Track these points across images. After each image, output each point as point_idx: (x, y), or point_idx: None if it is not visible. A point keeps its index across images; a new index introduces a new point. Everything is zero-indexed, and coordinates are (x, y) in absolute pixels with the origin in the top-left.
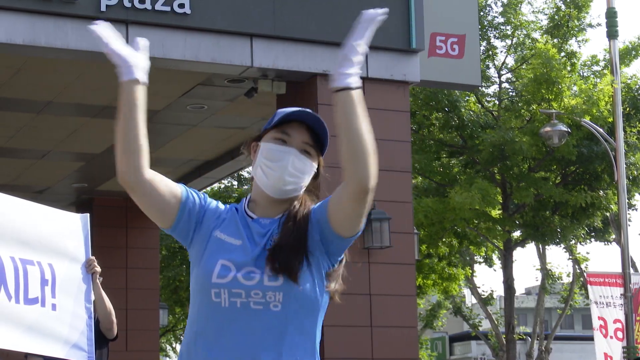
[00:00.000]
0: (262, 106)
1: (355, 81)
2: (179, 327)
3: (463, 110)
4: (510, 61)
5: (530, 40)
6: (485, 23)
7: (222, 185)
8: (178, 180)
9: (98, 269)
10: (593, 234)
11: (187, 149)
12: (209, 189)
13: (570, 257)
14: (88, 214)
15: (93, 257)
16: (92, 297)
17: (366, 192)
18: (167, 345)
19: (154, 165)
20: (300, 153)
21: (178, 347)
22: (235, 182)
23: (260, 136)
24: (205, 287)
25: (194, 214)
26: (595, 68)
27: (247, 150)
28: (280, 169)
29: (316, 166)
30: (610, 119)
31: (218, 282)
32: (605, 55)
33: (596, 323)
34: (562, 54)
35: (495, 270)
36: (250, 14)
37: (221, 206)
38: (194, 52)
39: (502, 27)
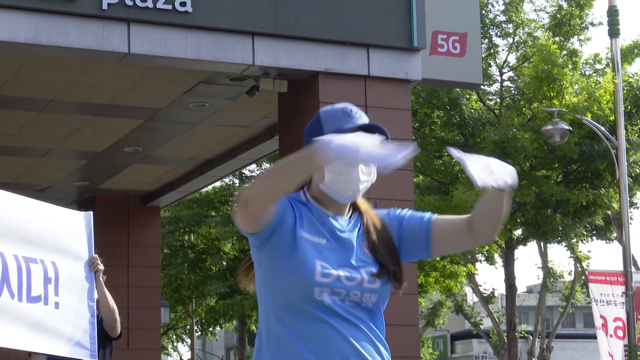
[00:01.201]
0: (263, 104)
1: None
2: (180, 326)
3: (464, 108)
4: (512, 59)
5: (531, 39)
6: (487, 21)
7: (224, 184)
8: (179, 178)
9: (101, 267)
10: (594, 232)
11: (189, 147)
12: (210, 187)
13: (572, 255)
14: (91, 212)
15: (96, 255)
16: (95, 296)
17: (484, 244)
18: (169, 344)
19: (155, 163)
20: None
21: (179, 345)
22: (237, 181)
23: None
24: (309, 285)
25: (277, 221)
26: (597, 66)
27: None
28: (352, 181)
29: None
30: (612, 117)
31: (322, 281)
32: (607, 54)
33: (598, 322)
34: (564, 52)
35: (496, 269)
36: (251, 12)
37: (292, 200)
38: (195, 51)
39: (503, 25)
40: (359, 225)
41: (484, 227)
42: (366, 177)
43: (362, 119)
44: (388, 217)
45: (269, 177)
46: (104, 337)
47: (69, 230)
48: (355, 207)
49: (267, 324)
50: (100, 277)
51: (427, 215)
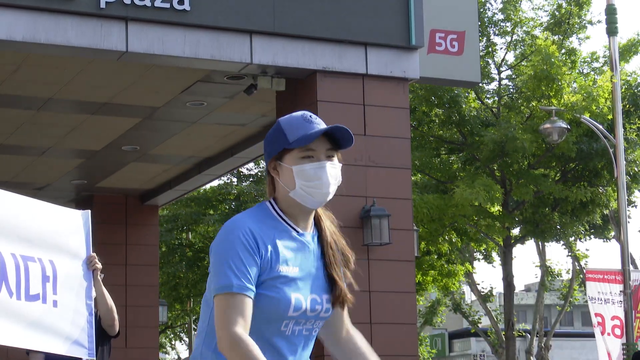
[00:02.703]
0: (261, 103)
1: None
2: (178, 324)
3: (463, 106)
4: (510, 58)
5: (530, 37)
6: (485, 20)
7: (222, 182)
8: (177, 177)
9: (99, 265)
10: (593, 230)
11: (187, 145)
12: (208, 186)
13: (570, 254)
14: (89, 211)
15: (94, 254)
16: (93, 294)
17: None
18: (167, 342)
19: (153, 162)
20: (329, 161)
21: (177, 344)
22: (234, 179)
23: (278, 157)
24: (279, 318)
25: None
26: (595, 65)
27: (268, 172)
28: (323, 185)
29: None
30: (610, 116)
31: (292, 316)
32: (605, 52)
33: (595, 320)
34: (563, 50)
35: (494, 267)
36: (249, 11)
37: (259, 232)
38: (193, 49)
39: (501, 23)
40: (318, 241)
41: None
42: (334, 180)
43: (322, 124)
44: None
45: None
46: (102, 336)
47: (66, 228)
48: (316, 221)
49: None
50: (98, 276)
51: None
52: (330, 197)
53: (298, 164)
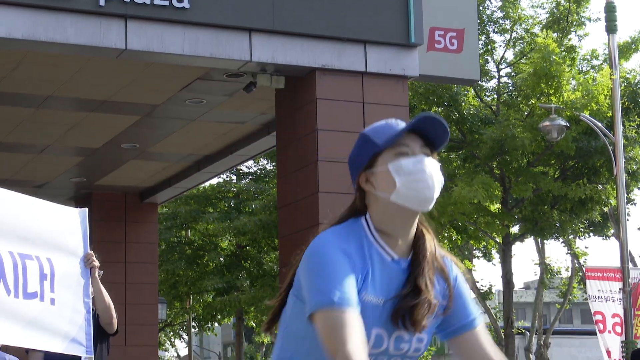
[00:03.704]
0: (260, 101)
1: None
2: (177, 322)
3: (463, 104)
4: (509, 56)
5: (529, 35)
6: (484, 17)
7: (221, 180)
8: (176, 175)
9: (97, 263)
10: (592, 228)
11: (186, 143)
12: (207, 184)
13: (569, 251)
14: (87, 209)
15: (92, 252)
16: (91, 292)
17: None
18: (166, 340)
19: (152, 160)
20: (426, 157)
21: (176, 341)
22: (234, 177)
23: (368, 165)
24: None
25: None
26: (595, 62)
27: (358, 187)
28: (427, 178)
29: None
30: (609, 114)
31: (372, 352)
32: (604, 50)
33: (595, 318)
34: (562, 48)
35: (494, 265)
36: (249, 9)
37: (354, 252)
38: (192, 47)
39: (501, 21)
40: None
41: None
42: (438, 176)
43: (403, 125)
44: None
45: None
46: (101, 333)
47: (64, 227)
48: (416, 247)
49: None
50: (96, 274)
51: (474, 315)
52: (435, 194)
53: (392, 161)
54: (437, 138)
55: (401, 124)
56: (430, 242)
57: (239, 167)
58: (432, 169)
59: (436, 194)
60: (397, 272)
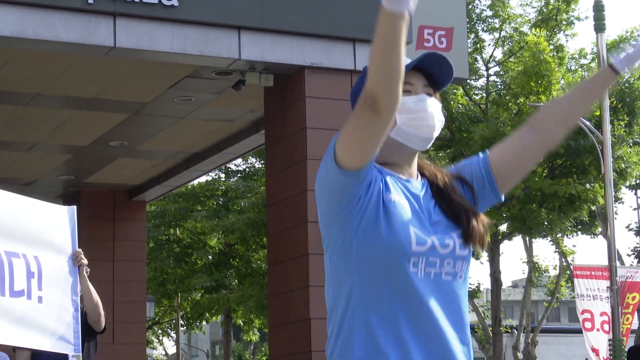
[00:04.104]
0: (249, 99)
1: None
2: (165, 320)
3: (452, 103)
4: (498, 54)
5: (518, 34)
6: (474, 16)
7: (210, 178)
8: (165, 173)
9: (85, 261)
10: (580, 227)
11: (175, 141)
12: (196, 182)
13: (557, 250)
14: (75, 207)
15: (80, 250)
16: (79, 290)
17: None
18: (154, 338)
19: (141, 157)
20: (428, 97)
21: (164, 339)
22: (222, 175)
23: None
24: (403, 256)
25: (372, 169)
26: (583, 61)
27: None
28: (428, 117)
29: None
30: (598, 112)
31: (418, 251)
32: (592, 49)
33: (581, 316)
34: (551, 47)
35: (482, 263)
36: (238, 7)
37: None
38: (181, 45)
39: (490, 20)
40: (429, 187)
41: (559, 125)
42: (438, 116)
43: (407, 61)
44: (457, 171)
45: (373, 60)
46: (89, 331)
47: (52, 224)
48: (421, 172)
49: (346, 307)
50: (84, 271)
51: (481, 154)
52: (435, 134)
53: None
54: (441, 76)
55: (406, 61)
56: (432, 167)
57: (227, 165)
58: (433, 109)
59: (436, 133)
60: (412, 190)
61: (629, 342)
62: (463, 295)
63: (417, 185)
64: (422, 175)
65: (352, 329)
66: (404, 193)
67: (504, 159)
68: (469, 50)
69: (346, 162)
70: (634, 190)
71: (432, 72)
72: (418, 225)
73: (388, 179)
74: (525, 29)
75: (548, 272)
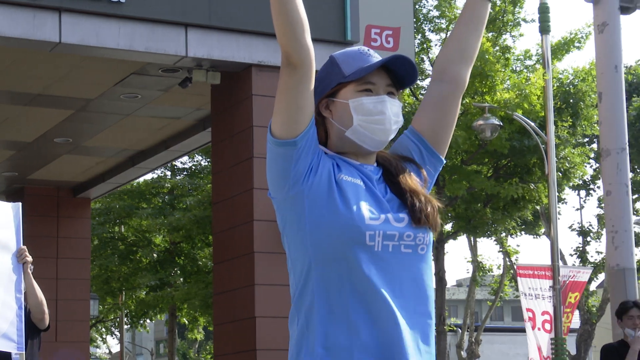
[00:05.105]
0: (196, 96)
1: None
2: (109, 318)
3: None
4: None
5: None
6: (420, 16)
7: (155, 176)
8: (111, 170)
9: (29, 258)
10: (523, 226)
11: (121, 138)
12: (141, 179)
13: (501, 249)
14: (20, 203)
15: (24, 247)
16: (23, 287)
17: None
18: (97, 336)
19: (86, 154)
20: (390, 97)
21: (108, 338)
22: (168, 173)
23: (330, 93)
24: (357, 231)
25: (313, 144)
26: (528, 63)
27: (317, 111)
28: (385, 121)
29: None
30: (542, 113)
31: (372, 224)
32: (537, 50)
33: (526, 315)
34: (496, 48)
35: None
36: (185, 4)
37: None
38: (128, 41)
39: (436, 20)
40: (383, 171)
41: (459, 62)
42: (396, 118)
43: (377, 57)
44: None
45: (274, 15)
46: (32, 329)
47: None
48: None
49: (303, 290)
50: (29, 269)
51: (407, 130)
52: (391, 136)
53: (355, 97)
54: (406, 76)
55: (373, 57)
56: (384, 152)
57: (173, 163)
58: (392, 112)
59: (392, 136)
60: (368, 173)
61: (569, 341)
62: (425, 268)
63: (372, 169)
64: (377, 162)
65: (312, 307)
66: (358, 174)
67: (428, 120)
68: (416, 50)
69: (279, 131)
70: (577, 191)
71: (397, 71)
72: (372, 201)
73: (340, 162)
74: None
75: (492, 272)
